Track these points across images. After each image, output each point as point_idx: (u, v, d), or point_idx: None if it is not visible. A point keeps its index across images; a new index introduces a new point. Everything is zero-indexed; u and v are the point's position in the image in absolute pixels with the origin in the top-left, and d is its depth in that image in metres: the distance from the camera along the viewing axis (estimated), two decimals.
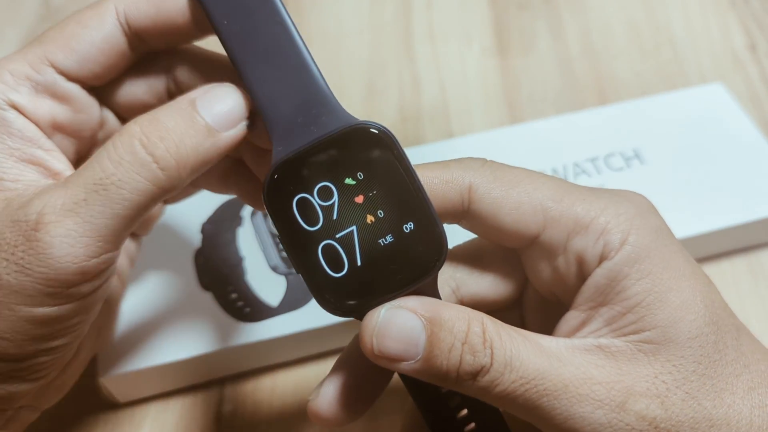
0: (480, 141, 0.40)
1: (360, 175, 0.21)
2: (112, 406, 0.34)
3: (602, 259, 0.22)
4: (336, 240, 0.21)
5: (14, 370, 0.22)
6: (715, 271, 0.37)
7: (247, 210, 0.38)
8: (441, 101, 0.47)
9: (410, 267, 0.21)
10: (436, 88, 0.48)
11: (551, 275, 0.24)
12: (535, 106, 0.46)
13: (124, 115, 0.27)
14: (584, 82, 0.47)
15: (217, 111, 0.23)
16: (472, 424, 0.24)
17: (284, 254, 0.35)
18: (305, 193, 0.21)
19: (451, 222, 0.24)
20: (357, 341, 0.24)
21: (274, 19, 0.23)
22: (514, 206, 0.23)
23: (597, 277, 0.22)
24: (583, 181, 0.38)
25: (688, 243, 0.35)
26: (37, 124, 0.23)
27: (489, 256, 0.26)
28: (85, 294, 0.22)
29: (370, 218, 0.21)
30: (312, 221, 0.21)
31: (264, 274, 0.35)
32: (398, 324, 0.21)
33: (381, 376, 0.24)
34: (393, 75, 0.49)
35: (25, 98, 0.23)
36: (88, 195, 0.21)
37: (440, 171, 0.23)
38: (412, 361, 0.21)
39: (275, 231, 0.22)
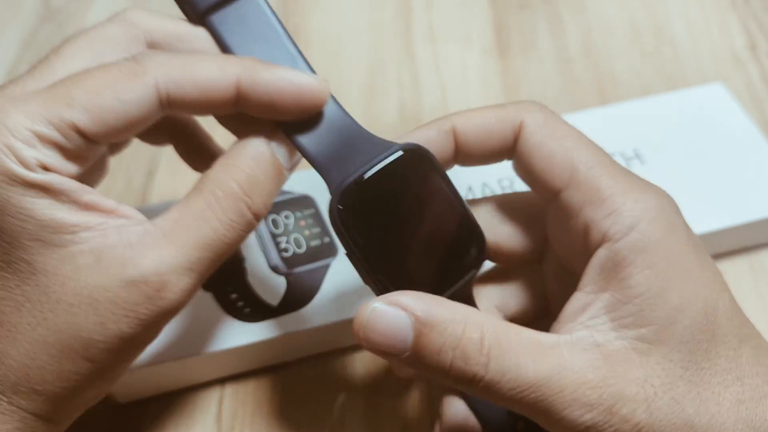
0: None
1: (416, 189, 0.24)
2: (112, 406, 0.34)
3: (607, 237, 0.22)
4: (404, 245, 0.24)
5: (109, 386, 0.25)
6: None
7: None
8: (441, 101, 0.47)
9: (460, 265, 0.25)
10: (436, 88, 0.48)
11: (564, 238, 0.25)
12: None
13: None
14: (584, 82, 0.47)
15: (288, 154, 0.25)
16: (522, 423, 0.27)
17: (284, 254, 0.35)
18: (373, 207, 0.24)
19: (503, 158, 0.26)
20: None
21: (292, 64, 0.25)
22: (546, 155, 0.24)
23: (602, 258, 0.22)
24: None
25: None
26: (69, 177, 0.23)
27: (514, 209, 0.27)
28: None
29: (427, 227, 0.24)
30: (381, 233, 0.24)
31: (264, 274, 0.35)
32: (385, 320, 0.21)
33: None
34: (393, 75, 0.49)
35: (54, 161, 0.22)
36: (202, 254, 0.23)
37: (497, 111, 0.25)
38: (404, 355, 0.21)
39: (347, 249, 0.24)
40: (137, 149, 0.35)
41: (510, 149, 0.25)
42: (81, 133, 0.22)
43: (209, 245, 0.23)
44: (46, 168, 0.22)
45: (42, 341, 0.22)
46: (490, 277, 0.28)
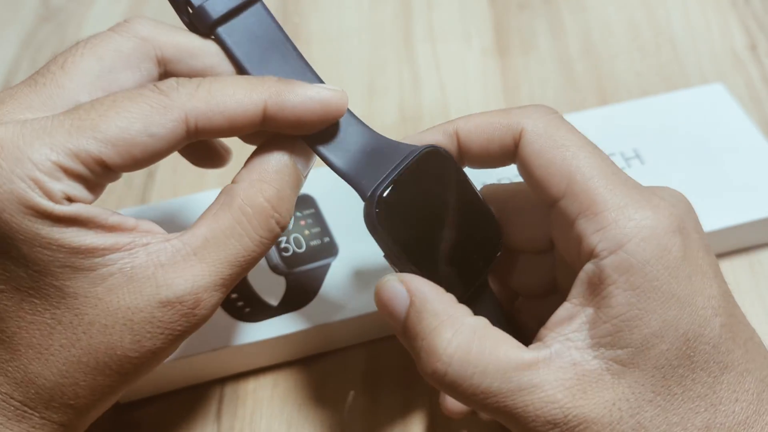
0: None
1: (441, 187, 0.25)
2: (112, 406, 0.33)
3: (595, 253, 0.22)
4: (436, 241, 0.25)
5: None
6: None
7: None
8: (441, 101, 0.47)
9: (482, 255, 0.27)
10: (436, 88, 0.48)
11: (563, 242, 0.25)
12: None
13: None
14: (584, 82, 0.47)
15: (305, 162, 0.26)
16: None
17: (284, 254, 0.35)
18: (407, 208, 0.25)
19: (507, 163, 0.26)
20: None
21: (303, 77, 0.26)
22: (544, 164, 0.24)
23: (588, 272, 0.22)
24: None
25: None
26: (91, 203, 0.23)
27: (527, 199, 0.28)
28: None
29: (454, 222, 0.25)
30: (416, 231, 0.25)
31: (264, 274, 0.35)
32: (390, 292, 0.24)
33: None
34: (393, 75, 0.49)
35: (78, 191, 0.22)
36: (233, 270, 0.24)
37: (499, 117, 0.25)
38: (400, 328, 0.24)
39: (385, 250, 0.25)
40: None
41: (512, 155, 0.25)
42: (105, 166, 0.22)
43: (240, 262, 0.24)
44: (70, 199, 0.22)
45: (76, 361, 0.22)
46: (504, 257, 0.29)
